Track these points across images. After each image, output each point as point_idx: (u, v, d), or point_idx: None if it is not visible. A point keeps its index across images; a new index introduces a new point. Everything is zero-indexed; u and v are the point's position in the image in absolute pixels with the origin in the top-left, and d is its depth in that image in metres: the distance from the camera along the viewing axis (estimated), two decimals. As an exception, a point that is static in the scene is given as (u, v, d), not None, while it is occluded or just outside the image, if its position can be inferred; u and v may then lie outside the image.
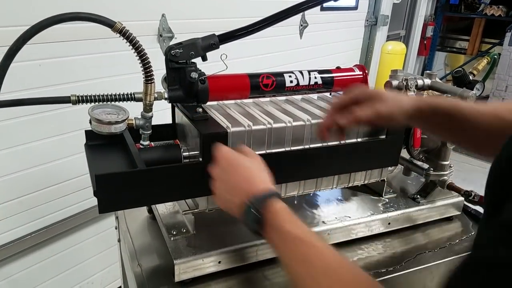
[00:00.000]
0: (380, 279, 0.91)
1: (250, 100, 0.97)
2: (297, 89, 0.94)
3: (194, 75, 0.82)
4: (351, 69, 1.01)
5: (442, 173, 1.09)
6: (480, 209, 1.11)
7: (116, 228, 1.16)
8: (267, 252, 0.90)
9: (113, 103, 0.81)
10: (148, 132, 0.84)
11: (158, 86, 0.82)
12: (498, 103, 0.69)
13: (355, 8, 3.68)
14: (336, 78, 0.98)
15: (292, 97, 1.02)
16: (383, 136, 0.97)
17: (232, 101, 0.97)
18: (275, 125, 0.85)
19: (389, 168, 1.07)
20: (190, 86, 0.83)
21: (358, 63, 1.05)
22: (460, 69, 1.10)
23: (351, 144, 0.94)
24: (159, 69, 0.80)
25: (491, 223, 0.41)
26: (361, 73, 1.02)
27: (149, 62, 0.76)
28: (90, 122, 0.80)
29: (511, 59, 4.69)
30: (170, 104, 0.93)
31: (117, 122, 0.79)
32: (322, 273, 0.54)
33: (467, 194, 1.05)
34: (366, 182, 1.03)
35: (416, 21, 5.20)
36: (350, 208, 1.04)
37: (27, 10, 1.38)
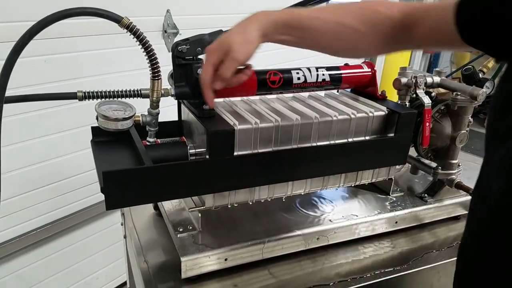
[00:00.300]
0: (387, 278, 0.91)
1: (257, 97, 0.96)
2: (304, 86, 0.93)
3: (200, 71, 0.81)
4: (359, 66, 1.00)
5: (450, 172, 1.08)
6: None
7: (122, 225, 1.16)
8: (273, 250, 0.89)
9: (119, 99, 0.81)
10: (155, 129, 0.84)
11: (165, 82, 0.82)
12: (341, 7, 0.74)
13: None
14: (344, 75, 0.97)
15: (299, 94, 1.01)
16: (392, 134, 0.96)
17: (239, 98, 0.96)
18: (282, 123, 0.84)
19: (397, 166, 1.05)
20: (196, 83, 0.82)
21: (365, 60, 1.03)
22: (470, 66, 1.09)
23: (359, 142, 0.93)
24: (164, 66, 0.79)
25: None
26: (369, 70, 1.01)
27: (156, 59, 0.76)
28: (97, 119, 0.79)
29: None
30: (176, 101, 0.92)
31: (124, 119, 0.79)
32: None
33: (475, 193, 1.04)
34: (373, 180, 1.02)
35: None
36: (357, 207, 1.03)
37: (33, 5, 1.38)
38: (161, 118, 0.85)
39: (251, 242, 0.87)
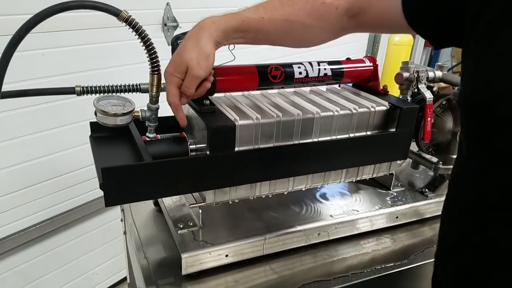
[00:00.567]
0: (388, 273, 0.91)
1: (258, 92, 0.95)
2: (306, 80, 0.92)
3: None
4: (361, 60, 0.99)
5: (451, 166, 1.07)
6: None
7: (121, 221, 1.15)
8: (274, 246, 0.89)
9: (118, 94, 0.80)
10: (154, 124, 0.83)
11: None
12: (285, 2, 0.76)
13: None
14: (346, 69, 0.96)
15: (300, 89, 1.00)
16: (393, 129, 0.95)
17: (240, 93, 0.95)
18: (283, 118, 0.83)
19: (398, 161, 1.05)
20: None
21: (366, 54, 1.02)
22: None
23: (360, 137, 0.93)
24: (164, 59, 0.78)
25: None
26: (371, 64, 0.99)
27: (155, 53, 0.74)
28: (95, 114, 0.79)
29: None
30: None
31: (123, 114, 0.78)
32: None
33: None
34: (374, 175, 1.02)
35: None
36: (358, 202, 1.03)
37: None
38: (161, 113, 0.84)
39: (252, 238, 0.86)
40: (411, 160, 1.19)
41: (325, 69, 0.93)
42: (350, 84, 1.06)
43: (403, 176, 1.18)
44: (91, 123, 0.86)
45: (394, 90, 1.06)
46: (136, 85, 0.79)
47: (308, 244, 0.93)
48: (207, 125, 0.77)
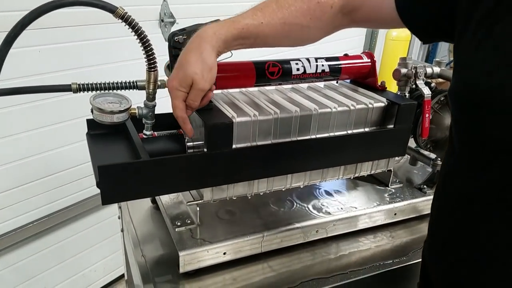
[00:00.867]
0: (386, 270, 0.91)
1: (255, 89, 0.95)
2: (303, 77, 0.91)
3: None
4: (359, 57, 0.99)
5: (450, 163, 1.07)
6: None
7: (119, 218, 1.15)
8: (272, 243, 0.89)
9: (115, 91, 0.79)
10: (151, 121, 0.82)
11: (161, 73, 0.80)
12: (282, 5, 0.76)
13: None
14: (343, 66, 0.96)
15: (298, 85, 1.00)
16: (391, 126, 0.95)
17: (237, 90, 0.95)
18: (281, 115, 0.83)
19: (396, 158, 1.05)
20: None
21: (363, 50, 1.01)
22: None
23: (358, 134, 0.92)
24: (161, 55, 0.78)
25: None
26: (369, 60, 0.99)
27: (152, 50, 0.74)
28: (92, 111, 0.78)
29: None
30: (173, 93, 0.90)
31: (119, 112, 0.77)
32: None
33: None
34: (372, 172, 1.02)
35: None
36: (356, 199, 1.03)
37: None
38: (158, 110, 0.84)
39: (250, 236, 0.86)
40: (409, 156, 1.19)
41: (322, 65, 0.92)
42: (348, 81, 1.06)
43: (401, 172, 1.18)
44: (88, 121, 0.85)
45: (392, 86, 1.05)
46: (133, 82, 0.79)
47: (306, 241, 0.93)
48: (204, 122, 0.76)
